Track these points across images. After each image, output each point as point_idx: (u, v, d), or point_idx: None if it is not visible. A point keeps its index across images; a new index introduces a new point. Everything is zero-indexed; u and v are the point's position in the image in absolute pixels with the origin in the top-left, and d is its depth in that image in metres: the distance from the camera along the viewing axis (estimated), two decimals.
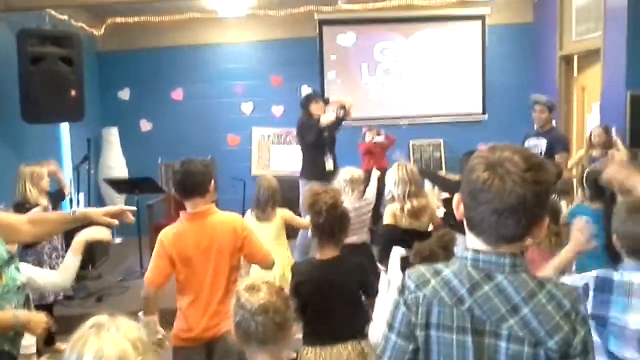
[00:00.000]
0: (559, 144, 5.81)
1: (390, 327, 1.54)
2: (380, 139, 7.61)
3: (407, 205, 3.96)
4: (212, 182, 3.12)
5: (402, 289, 1.53)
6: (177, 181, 3.10)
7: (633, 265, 2.29)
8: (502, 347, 1.42)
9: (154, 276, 3.02)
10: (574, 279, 2.38)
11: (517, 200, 1.37)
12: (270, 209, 4.31)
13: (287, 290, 2.54)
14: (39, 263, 4.56)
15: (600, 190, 3.89)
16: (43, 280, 2.91)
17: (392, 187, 4.04)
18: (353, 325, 2.89)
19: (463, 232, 1.54)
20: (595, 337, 2.06)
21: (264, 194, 4.30)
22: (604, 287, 2.26)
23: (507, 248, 1.44)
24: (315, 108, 6.14)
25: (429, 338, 1.48)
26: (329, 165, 6.04)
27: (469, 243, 1.50)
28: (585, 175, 4.27)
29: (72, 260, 2.87)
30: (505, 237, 1.43)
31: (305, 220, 4.82)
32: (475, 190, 1.42)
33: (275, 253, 3.73)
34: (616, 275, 2.28)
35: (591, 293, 2.26)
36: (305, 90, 8.30)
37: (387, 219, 4.03)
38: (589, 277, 2.31)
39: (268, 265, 3.27)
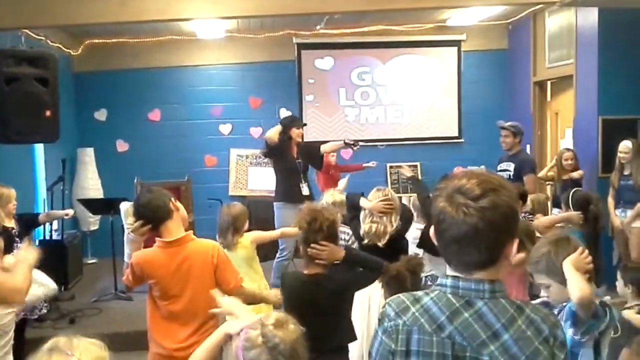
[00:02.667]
0: (525, 166, 6.03)
1: (371, 356, 1.56)
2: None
3: (377, 227, 3.92)
4: (174, 200, 3.03)
5: (382, 318, 1.53)
6: (141, 217, 3.00)
7: None
8: None
9: (126, 280, 3.09)
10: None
11: (470, 229, 1.39)
12: (231, 236, 4.15)
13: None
14: None
15: (585, 212, 4.40)
16: None
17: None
18: (331, 340, 2.87)
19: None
20: None
21: (225, 221, 4.14)
22: None
23: (484, 274, 1.45)
24: (295, 133, 6.17)
25: None
26: (305, 190, 6.07)
27: (448, 270, 1.51)
28: (571, 196, 4.59)
29: None
30: (471, 264, 1.44)
31: (275, 232, 4.81)
32: (436, 221, 1.46)
33: (248, 281, 3.69)
34: None
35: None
36: (284, 113, 8.34)
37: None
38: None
39: (238, 297, 3.11)
